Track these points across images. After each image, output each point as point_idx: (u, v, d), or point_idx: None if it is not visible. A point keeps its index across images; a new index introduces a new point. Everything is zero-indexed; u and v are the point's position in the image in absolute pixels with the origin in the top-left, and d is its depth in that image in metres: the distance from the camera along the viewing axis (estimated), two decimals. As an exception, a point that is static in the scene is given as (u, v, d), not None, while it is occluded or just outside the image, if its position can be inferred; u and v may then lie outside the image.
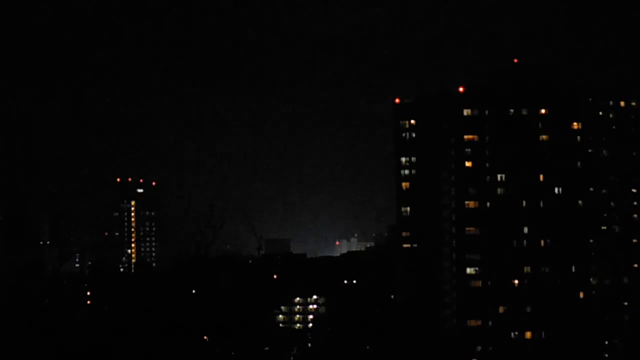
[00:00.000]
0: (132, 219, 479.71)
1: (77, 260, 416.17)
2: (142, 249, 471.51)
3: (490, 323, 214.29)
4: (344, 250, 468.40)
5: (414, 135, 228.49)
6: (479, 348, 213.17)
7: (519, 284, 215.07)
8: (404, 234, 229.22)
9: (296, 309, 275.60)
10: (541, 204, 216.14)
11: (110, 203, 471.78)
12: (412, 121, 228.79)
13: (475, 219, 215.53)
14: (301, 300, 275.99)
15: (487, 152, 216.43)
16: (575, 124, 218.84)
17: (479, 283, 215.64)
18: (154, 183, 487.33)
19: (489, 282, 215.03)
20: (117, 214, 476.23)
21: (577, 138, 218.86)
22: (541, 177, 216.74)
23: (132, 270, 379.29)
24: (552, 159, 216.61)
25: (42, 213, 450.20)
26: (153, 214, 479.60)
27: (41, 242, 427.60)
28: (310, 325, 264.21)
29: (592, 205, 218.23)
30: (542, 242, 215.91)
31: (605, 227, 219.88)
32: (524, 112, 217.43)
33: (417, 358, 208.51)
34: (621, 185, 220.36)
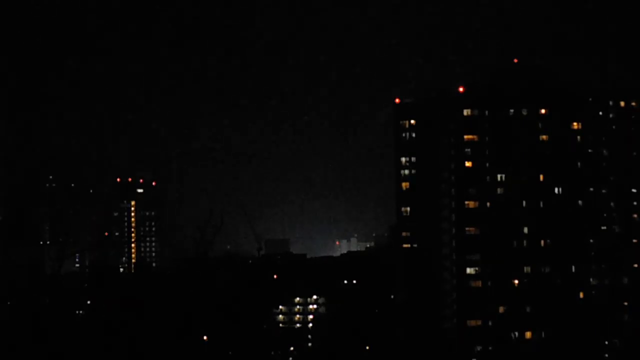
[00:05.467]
0: (132, 219, 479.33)
1: (77, 260, 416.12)
2: (142, 249, 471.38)
3: (490, 323, 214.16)
4: (344, 250, 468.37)
5: (414, 135, 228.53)
6: (479, 348, 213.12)
7: (519, 284, 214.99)
8: (403, 234, 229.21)
9: (296, 309, 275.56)
10: (541, 204, 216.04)
11: (110, 203, 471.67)
12: (412, 121, 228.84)
13: (475, 219, 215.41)
14: (301, 300, 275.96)
15: (487, 152, 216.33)
16: (575, 124, 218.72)
17: (479, 283, 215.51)
18: (154, 183, 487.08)
19: (489, 282, 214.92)
20: (117, 214, 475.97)
21: (577, 138, 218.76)
22: (541, 177, 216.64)
23: (132, 270, 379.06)
24: (552, 159, 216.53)
25: (42, 213, 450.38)
26: (153, 214, 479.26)
27: (41, 242, 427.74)
28: (310, 325, 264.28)
29: (592, 205, 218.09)
30: (542, 242, 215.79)
31: (605, 227, 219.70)
32: (524, 112, 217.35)
33: (417, 358, 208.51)
34: (621, 185, 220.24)
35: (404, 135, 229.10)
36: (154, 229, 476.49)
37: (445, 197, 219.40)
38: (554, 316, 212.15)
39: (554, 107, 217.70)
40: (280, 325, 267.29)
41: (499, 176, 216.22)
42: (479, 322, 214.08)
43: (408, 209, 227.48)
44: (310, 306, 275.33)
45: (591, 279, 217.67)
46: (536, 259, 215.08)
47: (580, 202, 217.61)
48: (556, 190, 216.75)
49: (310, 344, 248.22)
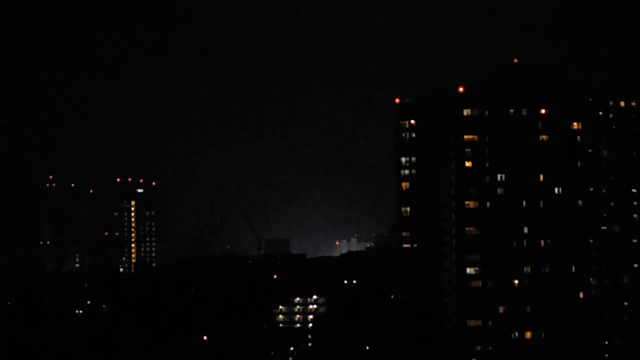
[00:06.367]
0: (132, 219, 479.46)
1: (77, 260, 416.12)
2: (142, 249, 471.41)
3: (490, 323, 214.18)
4: (344, 250, 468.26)
5: (414, 135, 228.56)
6: (479, 348, 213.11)
7: (519, 284, 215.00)
8: (403, 234, 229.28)
9: (296, 309, 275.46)
10: (541, 204, 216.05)
11: (110, 203, 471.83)
12: (412, 121, 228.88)
13: (475, 219, 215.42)
14: (301, 300, 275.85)
15: (487, 152, 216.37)
16: (575, 124, 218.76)
17: (479, 283, 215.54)
18: (154, 183, 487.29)
19: (489, 282, 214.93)
20: (117, 214, 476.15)
21: (577, 138, 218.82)
22: (541, 177, 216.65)
23: (132, 270, 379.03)
24: (552, 159, 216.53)
25: (42, 213, 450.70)
26: (153, 214, 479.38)
27: (41, 242, 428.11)
28: (310, 325, 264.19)
29: (592, 205, 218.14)
30: (542, 242, 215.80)
31: (605, 227, 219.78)
32: (524, 112, 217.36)
33: (417, 358, 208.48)
34: (621, 185, 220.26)
35: (404, 135, 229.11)
36: (154, 229, 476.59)
37: (445, 197, 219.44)
38: (554, 316, 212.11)
39: (554, 107, 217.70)
40: (280, 325, 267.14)
41: (499, 176, 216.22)
42: (479, 322, 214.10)
43: (408, 209, 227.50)
44: (310, 306, 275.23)
45: (591, 279, 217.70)
46: (536, 259, 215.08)
47: (580, 202, 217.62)
48: (556, 190, 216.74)
49: (310, 344, 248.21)
